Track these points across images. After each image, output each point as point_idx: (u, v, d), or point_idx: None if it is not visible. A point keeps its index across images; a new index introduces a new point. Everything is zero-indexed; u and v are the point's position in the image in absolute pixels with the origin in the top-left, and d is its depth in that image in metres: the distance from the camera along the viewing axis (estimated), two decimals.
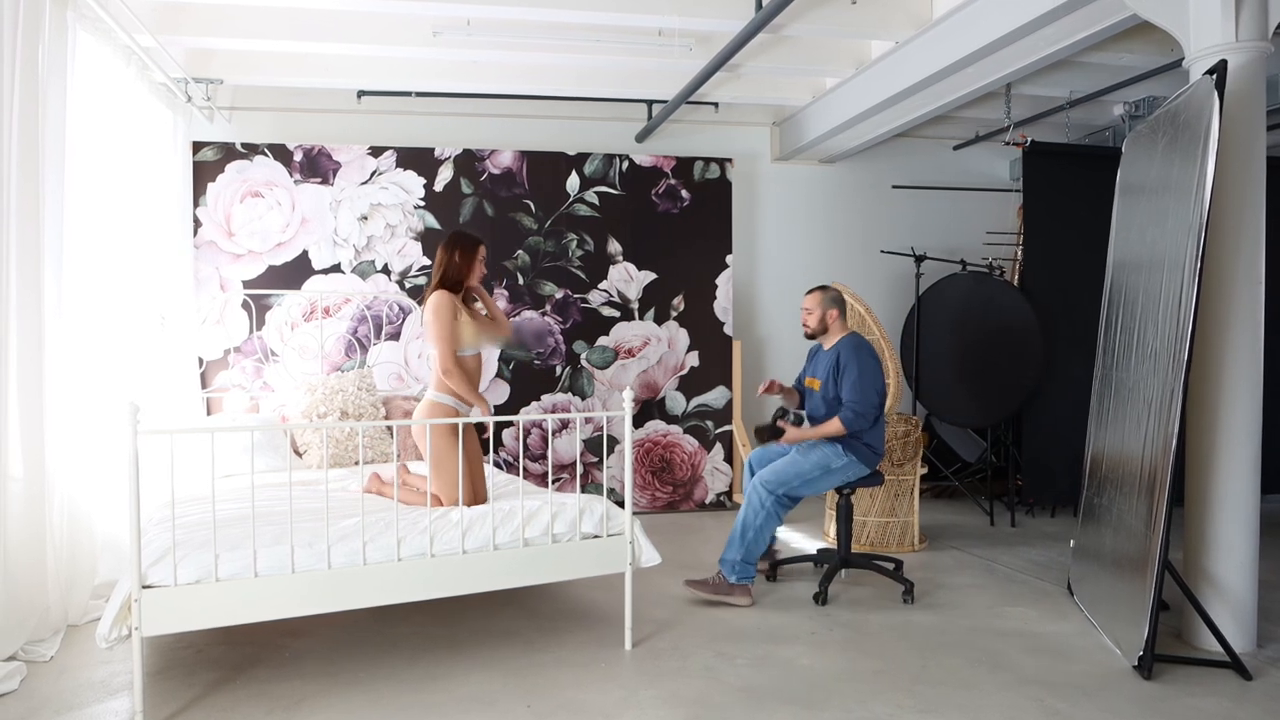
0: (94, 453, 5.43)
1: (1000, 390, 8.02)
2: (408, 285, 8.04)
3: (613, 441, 8.33)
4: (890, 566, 6.01)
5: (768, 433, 5.70)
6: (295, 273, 7.82)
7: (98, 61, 5.70)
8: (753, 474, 5.98)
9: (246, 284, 7.70)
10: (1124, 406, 5.28)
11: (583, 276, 8.39)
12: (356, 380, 7.02)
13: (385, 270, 8.00)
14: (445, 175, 8.11)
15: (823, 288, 6.01)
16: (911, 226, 9.82)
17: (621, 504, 5.02)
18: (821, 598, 5.68)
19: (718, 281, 8.67)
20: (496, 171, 8.22)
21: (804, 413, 5.96)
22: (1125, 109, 8.78)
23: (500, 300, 8.16)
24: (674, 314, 8.58)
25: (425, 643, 4.95)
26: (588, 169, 8.39)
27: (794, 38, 7.42)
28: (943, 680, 4.46)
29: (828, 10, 6.69)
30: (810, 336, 6.02)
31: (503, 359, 8.18)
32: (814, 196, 9.70)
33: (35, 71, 4.77)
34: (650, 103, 8.64)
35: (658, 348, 8.55)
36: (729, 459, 8.68)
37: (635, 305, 8.50)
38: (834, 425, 5.61)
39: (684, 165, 8.63)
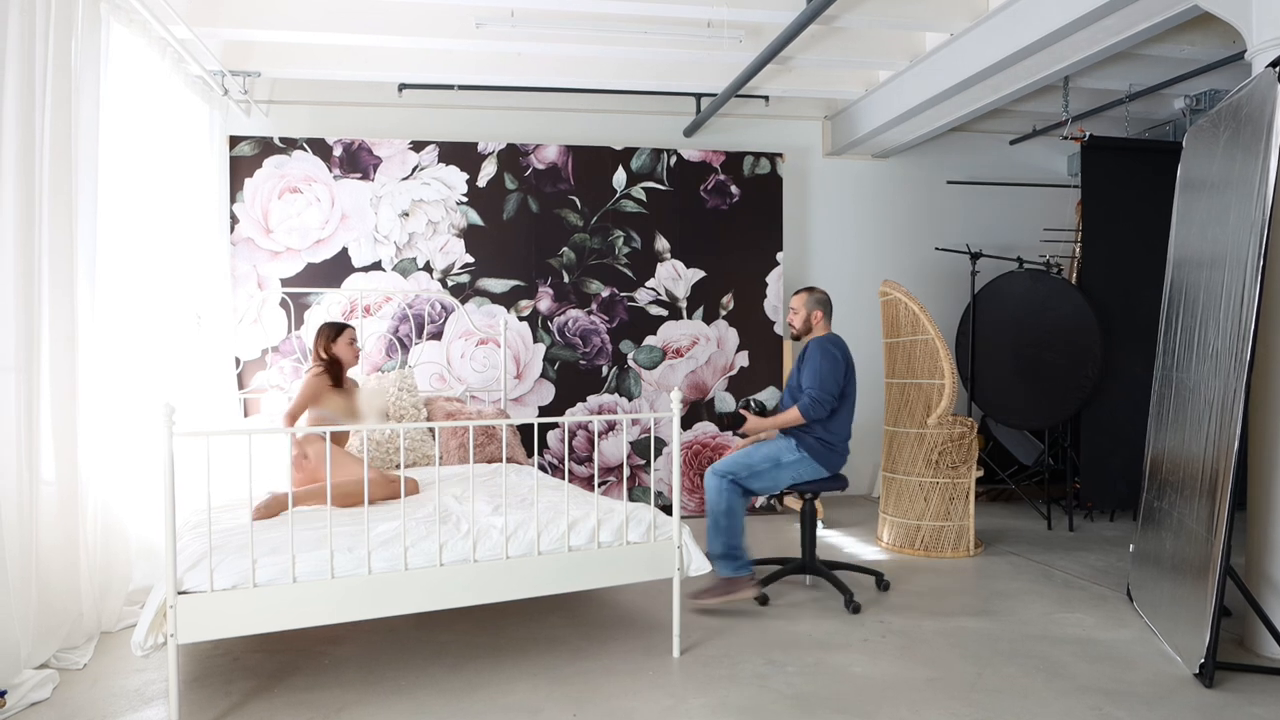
0: (128, 455, 5.38)
1: (1058, 391, 7.87)
2: (450, 283, 7.94)
3: (660, 443, 8.18)
4: (872, 576, 6.12)
5: (728, 421, 5.65)
6: (335, 270, 7.75)
7: (132, 54, 5.64)
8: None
9: (285, 282, 7.64)
10: (1185, 408, 5.19)
11: (629, 274, 8.27)
12: (397, 381, 6.91)
13: (427, 268, 7.91)
14: (489, 170, 8.01)
15: (809, 289, 6.00)
16: (967, 223, 9.69)
17: (669, 509, 4.89)
18: (763, 598, 5.71)
19: (768, 279, 8.54)
20: (541, 166, 8.12)
21: (765, 403, 5.97)
22: (1186, 102, 8.74)
23: (545, 299, 8.06)
24: (723, 313, 8.46)
25: (468, 650, 4.86)
26: (635, 164, 8.29)
27: (846, 29, 7.34)
28: (999, 688, 4.36)
29: (881, 1, 6.64)
30: (795, 337, 6.03)
31: (548, 359, 8.06)
32: (867, 192, 9.55)
33: (68, 65, 4.71)
34: (699, 96, 8.51)
35: (706, 347, 8.43)
36: None
37: (683, 304, 8.39)
38: (792, 414, 5.67)
39: (733, 160, 8.52)
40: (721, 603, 5.47)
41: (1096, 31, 6.17)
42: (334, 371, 5.78)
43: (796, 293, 6.00)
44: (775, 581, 5.91)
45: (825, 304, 5.93)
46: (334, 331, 5.85)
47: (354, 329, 5.93)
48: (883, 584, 5.98)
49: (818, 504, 7.91)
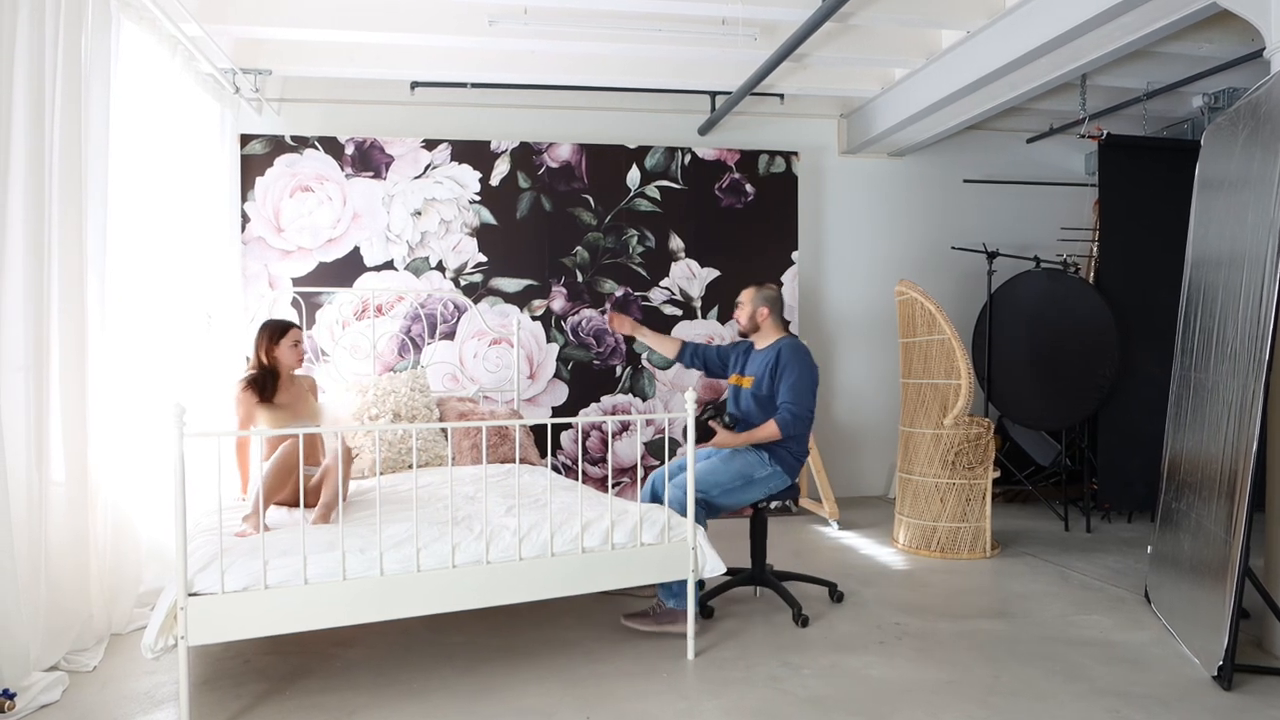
0: (139, 456, 5.35)
1: (1075, 391, 7.81)
2: (463, 283, 7.91)
3: (674, 444, 8.11)
4: (825, 587, 5.88)
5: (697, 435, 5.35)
6: (347, 270, 7.74)
7: (142, 52, 5.62)
8: (653, 488, 5.57)
9: (296, 281, 7.63)
10: (1203, 408, 5.16)
11: (643, 274, 8.24)
12: (410, 381, 6.87)
13: (439, 267, 7.89)
14: (502, 169, 7.99)
15: (758, 285, 5.81)
16: (983, 222, 9.63)
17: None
18: (707, 610, 5.45)
19: (783, 279, 8.49)
20: (555, 165, 8.09)
21: (736, 414, 5.67)
22: (1204, 100, 8.71)
23: (558, 299, 8.03)
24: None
25: (481, 652, 4.84)
26: (649, 162, 8.25)
27: (862, 27, 7.30)
28: (1016, 691, 4.35)
29: None
30: (742, 335, 5.82)
31: (561, 359, 8.03)
32: (882, 191, 9.51)
33: (78, 63, 4.68)
34: (713, 94, 8.46)
35: None
36: None
37: (698, 303, 8.36)
38: (769, 429, 5.36)
39: (748, 159, 8.48)
40: (655, 630, 5.14)
41: (1114, 29, 6.13)
42: (264, 381, 5.37)
43: (746, 288, 5.84)
44: (723, 593, 5.72)
45: (773, 300, 5.71)
46: (276, 333, 5.46)
47: (299, 329, 5.56)
48: (836, 595, 5.79)
49: (834, 506, 7.94)
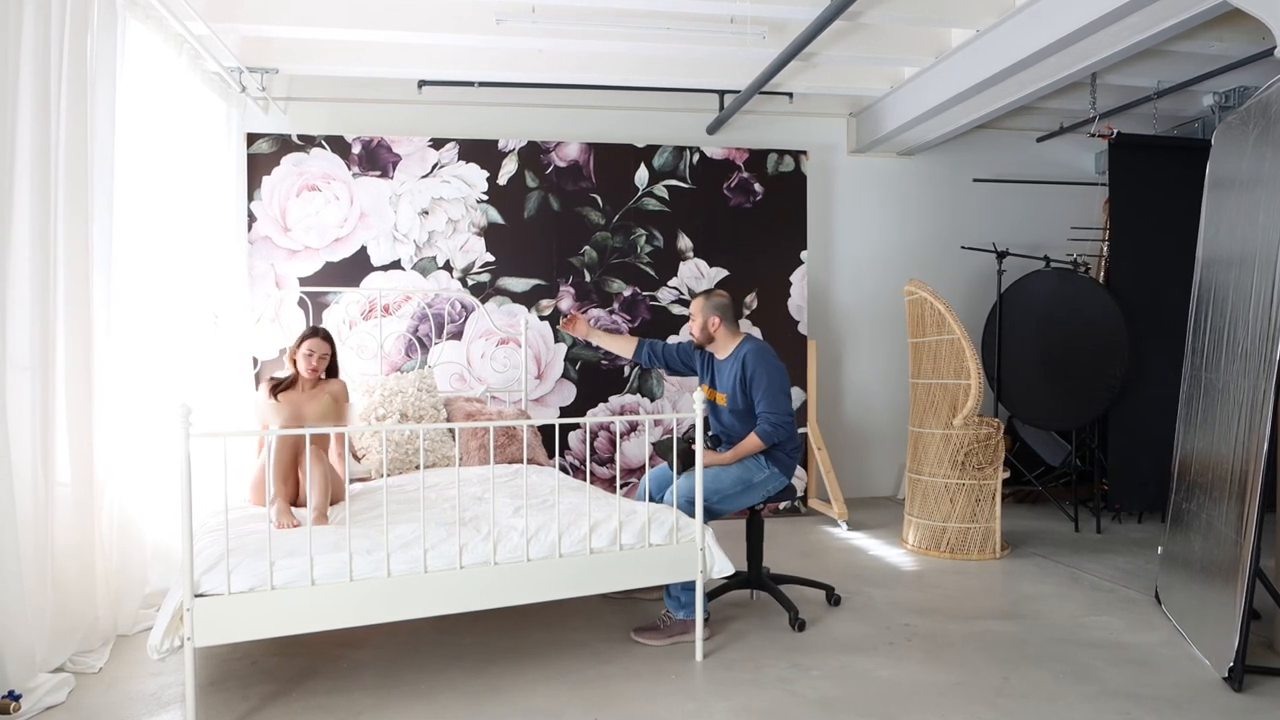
0: (145, 456, 5.35)
1: (1085, 391, 7.80)
2: (470, 282, 7.89)
3: (680, 445, 8.07)
4: (823, 590, 5.80)
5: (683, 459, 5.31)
6: (353, 269, 7.72)
7: (148, 51, 5.59)
8: (650, 498, 5.47)
9: (303, 281, 7.61)
10: (1214, 408, 5.13)
11: (652, 273, 8.22)
12: (417, 381, 6.85)
13: (447, 267, 7.87)
14: (509, 168, 7.97)
15: (707, 293, 5.63)
16: (993, 221, 9.61)
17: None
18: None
19: (792, 278, 8.47)
20: (562, 164, 8.07)
21: (720, 434, 5.62)
22: (1215, 99, 8.68)
23: (566, 298, 8.02)
24: (746, 312, 8.39)
25: (488, 654, 4.82)
26: (657, 161, 8.23)
27: (871, 25, 7.27)
28: (1026, 693, 4.33)
29: None
30: (698, 347, 5.67)
31: (569, 359, 8.01)
32: (892, 190, 9.49)
33: (84, 62, 4.66)
34: (722, 93, 8.44)
35: None
36: (804, 463, 8.44)
37: None
38: (752, 443, 5.29)
39: (757, 158, 8.46)
40: (667, 643, 5.04)
41: (1123, 28, 6.12)
42: (282, 380, 5.60)
43: (694, 297, 5.73)
44: (719, 597, 5.62)
45: (723, 308, 5.53)
46: (299, 340, 5.61)
47: (318, 339, 5.61)
48: (833, 598, 5.73)
49: (843, 507, 7.91)
